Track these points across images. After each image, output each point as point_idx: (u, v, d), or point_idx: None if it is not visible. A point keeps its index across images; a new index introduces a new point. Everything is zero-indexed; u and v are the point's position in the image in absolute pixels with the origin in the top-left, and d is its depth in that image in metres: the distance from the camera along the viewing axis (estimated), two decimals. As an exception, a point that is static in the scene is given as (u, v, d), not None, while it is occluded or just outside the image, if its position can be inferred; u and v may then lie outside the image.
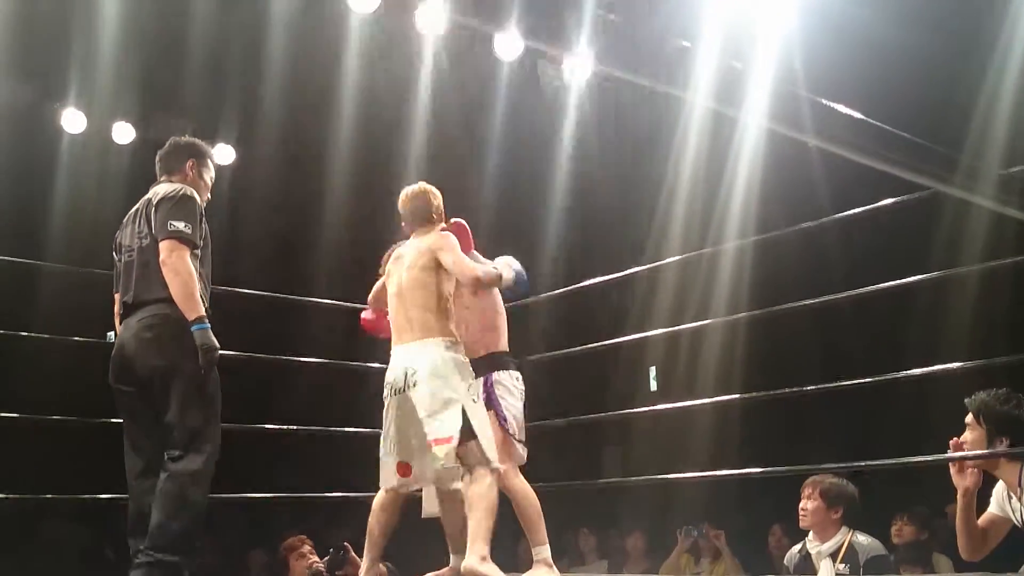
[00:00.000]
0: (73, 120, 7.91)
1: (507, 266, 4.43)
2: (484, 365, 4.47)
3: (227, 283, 5.21)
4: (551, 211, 7.86)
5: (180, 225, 4.06)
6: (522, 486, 4.51)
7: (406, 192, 4.50)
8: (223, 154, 8.63)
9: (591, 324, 6.18)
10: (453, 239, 4.32)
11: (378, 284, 4.64)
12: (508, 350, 4.66)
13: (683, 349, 7.06)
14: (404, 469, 4.21)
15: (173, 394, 3.99)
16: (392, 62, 7.14)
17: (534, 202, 8.14)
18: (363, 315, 4.74)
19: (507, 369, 4.58)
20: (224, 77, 7.89)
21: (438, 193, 4.50)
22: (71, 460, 7.43)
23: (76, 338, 5.48)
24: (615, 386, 7.27)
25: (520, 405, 4.56)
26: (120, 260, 4.29)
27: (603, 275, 5.78)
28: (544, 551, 4.42)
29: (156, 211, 4.13)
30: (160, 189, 4.25)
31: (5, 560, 6.92)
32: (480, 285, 4.35)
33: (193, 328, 3.99)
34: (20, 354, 6.89)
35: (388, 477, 4.23)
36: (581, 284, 5.87)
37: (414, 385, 4.11)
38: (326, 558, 5.31)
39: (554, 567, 4.37)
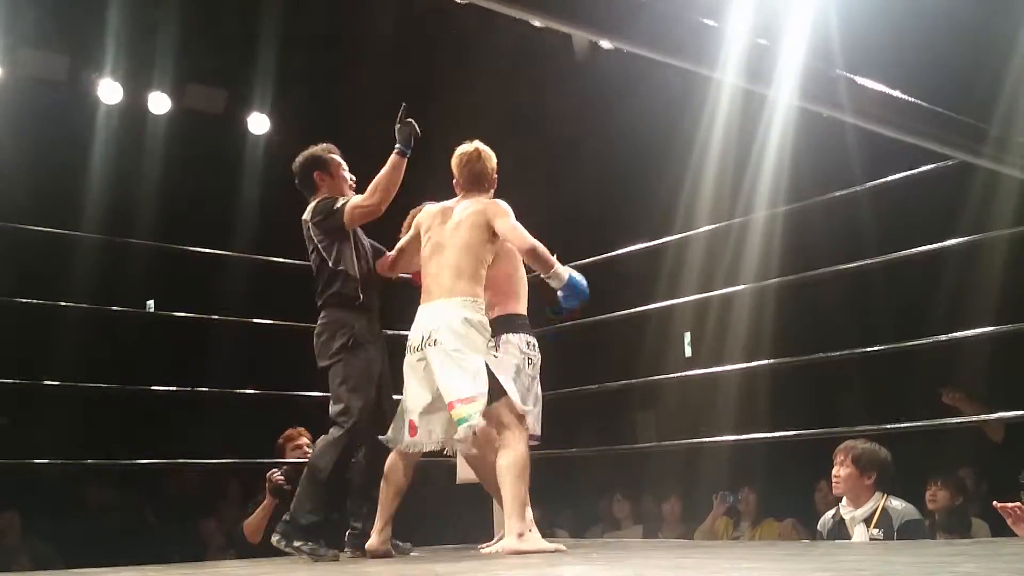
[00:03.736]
0: (109, 91, 7.97)
1: (567, 268, 4.24)
2: (496, 325, 4.43)
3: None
4: (582, 180, 7.86)
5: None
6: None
7: (462, 153, 4.41)
8: (257, 123, 8.68)
9: (622, 292, 6.16)
10: (508, 206, 4.25)
11: (407, 238, 4.54)
12: (524, 314, 4.65)
13: (714, 316, 7.04)
14: (413, 429, 4.15)
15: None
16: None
17: (564, 169, 8.14)
18: (380, 262, 4.64)
19: (519, 332, 4.55)
20: (258, 46, 7.92)
21: (493, 156, 4.45)
22: (112, 427, 7.56)
23: (114, 308, 5.55)
24: (648, 353, 7.26)
25: (527, 370, 4.52)
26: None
27: (634, 244, 5.77)
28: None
29: (311, 229, 4.55)
30: (307, 210, 4.61)
31: (51, 524, 7.04)
32: (534, 256, 4.18)
33: None
34: (60, 323, 6.98)
35: (398, 436, 4.20)
36: (614, 253, 5.85)
37: (433, 343, 4.05)
38: (284, 468, 5.30)
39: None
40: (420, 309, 4.21)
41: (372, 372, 4.41)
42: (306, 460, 5.06)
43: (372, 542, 4.21)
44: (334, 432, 4.28)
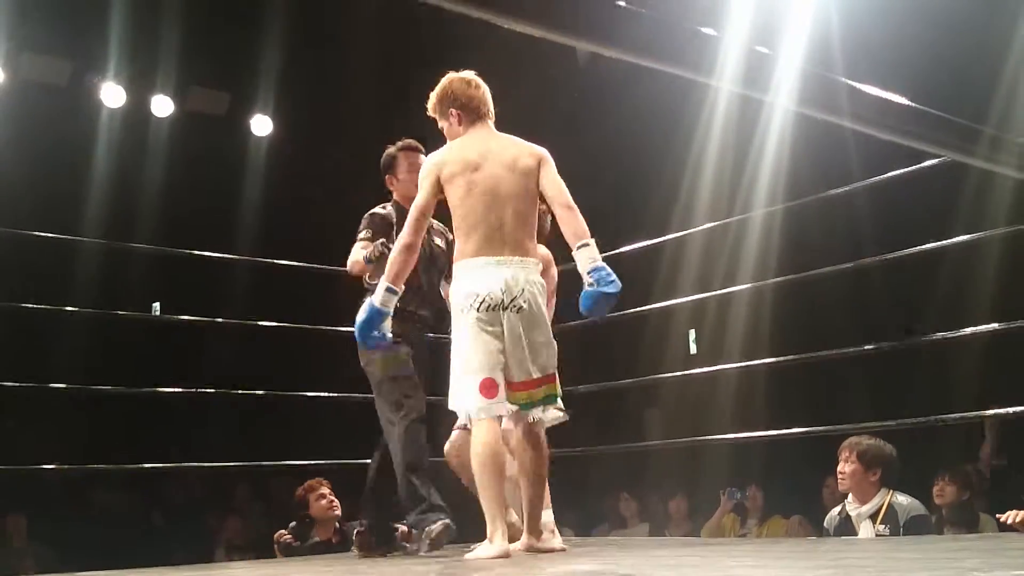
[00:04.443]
0: (112, 94, 7.98)
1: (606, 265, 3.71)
2: None
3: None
4: (581, 179, 7.83)
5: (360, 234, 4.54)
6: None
7: (467, 78, 3.91)
8: (260, 125, 8.69)
9: (625, 290, 6.14)
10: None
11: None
12: None
13: (717, 314, 7.04)
14: (491, 386, 3.63)
15: None
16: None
17: (564, 169, 8.11)
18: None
19: None
20: (260, 48, 7.93)
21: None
22: (117, 430, 7.57)
23: (119, 312, 5.56)
24: (652, 350, 7.26)
25: None
26: None
27: (634, 242, 5.76)
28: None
29: None
30: None
31: (57, 527, 7.06)
32: (572, 217, 3.69)
33: None
34: (65, 326, 7.00)
35: (470, 400, 3.64)
36: (615, 251, 5.84)
37: (521, 308, 3.63)
38: (291, 525, 5.34)
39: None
40: (485, 262, 3.66)
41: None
42: (330, 512, 5.30)
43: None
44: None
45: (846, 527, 4.89)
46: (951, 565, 2.56)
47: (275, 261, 5.58)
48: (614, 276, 3.61)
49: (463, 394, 3.66)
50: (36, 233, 5.02)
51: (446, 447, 4.62)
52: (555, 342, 3.78)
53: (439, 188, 3.78)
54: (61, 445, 7.04)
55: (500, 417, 3.75)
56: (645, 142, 7.63)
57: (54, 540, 6.95)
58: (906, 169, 4.26)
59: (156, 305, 5.18)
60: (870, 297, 6.92)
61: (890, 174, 4.39)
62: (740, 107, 6.53)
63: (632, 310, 5.67)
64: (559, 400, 3.75)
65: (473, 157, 3.76)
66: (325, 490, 5.43)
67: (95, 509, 8.12)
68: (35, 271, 6.59)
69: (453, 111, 3.90)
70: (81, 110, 7.94)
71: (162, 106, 8.24)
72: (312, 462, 5.61)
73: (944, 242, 4.29)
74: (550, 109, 7.41)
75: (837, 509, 5.04)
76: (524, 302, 3.64)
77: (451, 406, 3.75)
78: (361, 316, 3.74)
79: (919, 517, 4.76)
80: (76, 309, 5.52)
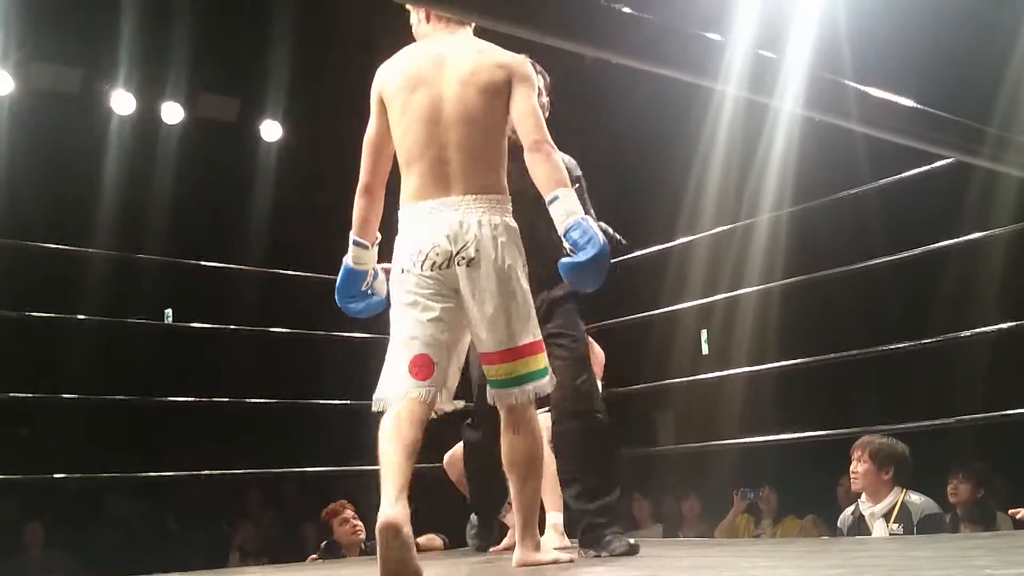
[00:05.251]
0: (122, 102, 8.01)
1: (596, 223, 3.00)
2: None
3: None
4: (587, 182, 7.82)
5: None
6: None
7: None
8: (270, 131, 8.70)
9: (635, 293, 6.15)
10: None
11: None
12: None
13: (728, 314, 7.03)
14: (424, 365, 2.89)
15: None
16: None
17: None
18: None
19: None
20: (270, 54, 7.94)
21: None
22: (131, 437, 7.59)
23: (130, 320, 5.58)
24: (662, 353, 7.26)
25: None
26: None
27: (644, 247, 5.75)
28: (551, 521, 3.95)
29: None
30: None
31: (73, 534, 7.09)
32: (540, 160, 2.92)
33: None
34: (76, 335, 7.02)
35: (398, 383, 2.90)
36: (626, 256, 5.83)
37: (472, 260, 2.90)
38: (323, 545, 5.33)
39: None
40: (419, 209, 2.95)
41: None
42: (354, 537, 5.18)
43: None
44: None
45: (860, 526, 4.89)
46: (964, 564, 2.56)
47: (286, 272, 5.57)
48: (592, 233, 2.84)
49: (390, 377, 2.92)
50: (47, 245, 5.04)
51: (446, 458, 4.54)
52: (530, 302, 3.01)
53: (387, 114, 3.06)
54: (75, 453, 7.07)
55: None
56: (651, 145, 7.63)
57: (70, 547, 6.99)
58: (915, 171, 4.25)
59: (168, 312, 5.20)
60: (880, 298, 6.92)
61: (898, 176, 4.38)
62: (747, 109, 6.53)
63: (642, 314, 5.67)
64: (541, 378, 3.02)
65: (418, 69, 3.01)
66: (348, 513, 5.37)
67: (110, 516, 8.16)
68: (46, 279, 6.61)
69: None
70: (91, 118, 7.96)
71: (172, 113, 8.26)
72: (324, 469, 5.62)
73: (954, 240, 4.27)
74: (555, 112, 7.41)
75: (850, 508, 5.03)
76: (475, 250, 2.88)
77: (375, 396, 2.95)
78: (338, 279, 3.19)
79: (933, 516, 4.75)
80: (88, 317, 5.54)
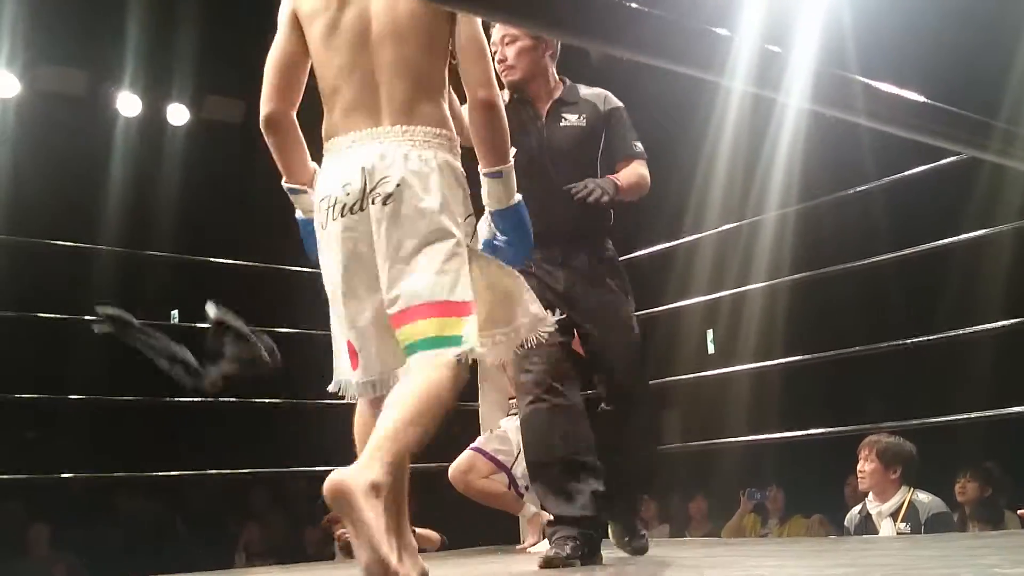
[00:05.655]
0: (128, 104, 8.01)
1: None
2: None
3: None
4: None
5: None
6: None
7: None
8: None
9: (640, 292, 6.13)
10: None
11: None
12: None
13: (734, 313, 7.03)
14: (353, 353, 2.48)
15: None
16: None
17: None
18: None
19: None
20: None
21: None
22: (138, 437, 7.60)
23: (136, 323, 5.56)
24: (667, 351, 7.26)
25: None
26: None
27: (650, 245, 5.73)
28: None
29: None
30: None
31: (79, 535, 7.10)
32: (479, 118, 2.46)
33: None
34: (82, 335, 7.03)
35: (343, 370, 2.54)
36: (632, 255, 5.82)
37: (388, 198, 2.35)
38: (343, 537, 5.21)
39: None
40: (337, 145, 2.47)
41: None
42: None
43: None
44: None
45: (867, 526, 4.89)
46: (971, 562, 2.56)
47: (293, 269, 5.58)
48: (527, 230, 2.56)
49: (338, 361, 2.56)
50: (54, 242, 5.05)
51: (451, 469, 4.49)
52: (463, 255, 2.39)
53: (300, 32, 2.56)
54: (81, 454, 7.08)
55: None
56: (657, 142, 7.61)
57: (76, 549, 6.99)
58: (921, 168, 4.24)
59: (174, 313, 5.20)
60: (886, 295, 6.91)
61: (903, 173, 4.36)
62: (753, 106, 6.52)
63: (647, 310, 5.66)
64: (457, 345, 2.31)
65: None
66: None
67: (116, 517, 8.16)
68: (53, 280, 6.62)
69: None
70: (97, 120, 7.97)
71: (178, 114, 8.26)
72: (331, 469, 5.60)
73: (960, 237, 4.26)
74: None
75: (858, 508, 5.03)
76: (393, 185, 2.35)
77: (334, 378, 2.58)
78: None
79: (940, 515, 4.75)
80: (94, 319, 5.53)
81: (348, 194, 2.38)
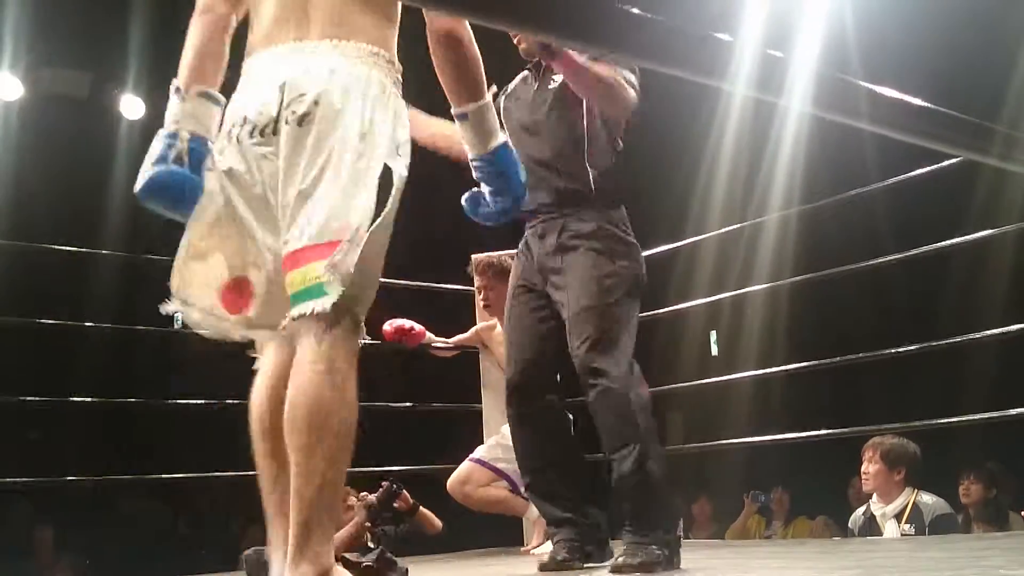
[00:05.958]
0: (131, 106, 8.01)
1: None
2: None
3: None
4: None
5: None
6: None
7: None
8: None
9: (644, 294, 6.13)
10: None
11: None
12: None
13: (737, 315, 7.03)
14: (235, 296, 2.19)
15: None
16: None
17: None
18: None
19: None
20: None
21: None
22: (141, 440, 7.61)
23: (139, 327, 5.57)
24: (670, 353, 7.26)
25: None
26: None
27: (653, 246, 5.73)
28: None
29: None
30: None
31: (83, 538, 7.10)
32: (448, 54, 2.22)
33: None
34: (86, 338, 7.03)
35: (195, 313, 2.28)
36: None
37: (304, 118, 1.99)
38: (379, 491, 5.06)
39: None
40: (257, 60, 2.20)
41: None
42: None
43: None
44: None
45: (871, 527, 4.88)
46: (976, 564, 2.56)
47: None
48: (495, 187, 2.27)
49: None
50: (57, 247, 5.05)
51: (449, 481, 4.48)
52: (374, 188, 1.98)
53: None
54: (84, 458, 7.09)
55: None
56: (659, 145, 7.62)
57: (81, 552, 6.99)
58: (923, 170, 4.23)
59: (178, 316, 5.19)
60: (888, 296, 6.91)
61: (905, 175, 4.35)
62: (755, 109, 6.52)
63: (649, 312, 5.66)
64: (320, 296, 1.93)
65: None
66: (351, 499, 5.27)
67: (120, 520, 8.17)
68: (57, 283, 6.63)
69: None
70: (101, 122, 7.98)
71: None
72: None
73: (962, 239, 4.25)
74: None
75: (862, 509, 5.03)
76: (311, 103, 2.00)
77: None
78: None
79: (944, 516, 4.75)
80: (98, 325, 5.55)
81: (260, 113, 2.05)
